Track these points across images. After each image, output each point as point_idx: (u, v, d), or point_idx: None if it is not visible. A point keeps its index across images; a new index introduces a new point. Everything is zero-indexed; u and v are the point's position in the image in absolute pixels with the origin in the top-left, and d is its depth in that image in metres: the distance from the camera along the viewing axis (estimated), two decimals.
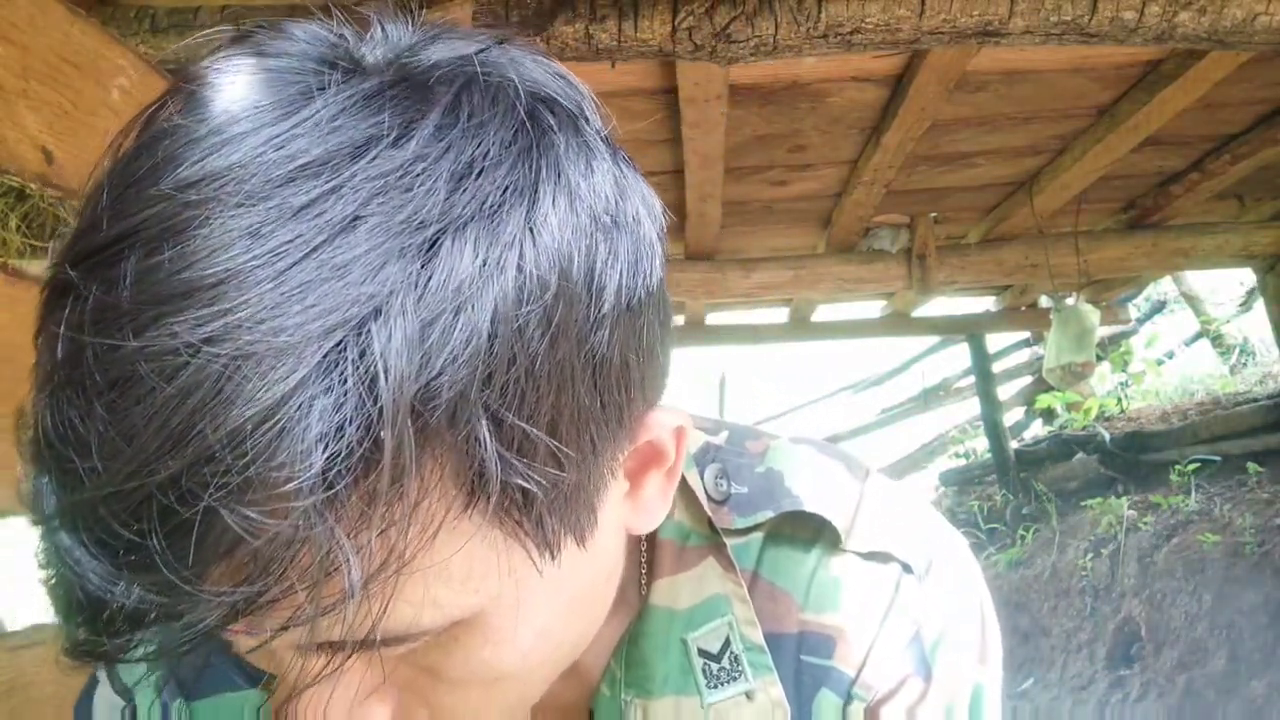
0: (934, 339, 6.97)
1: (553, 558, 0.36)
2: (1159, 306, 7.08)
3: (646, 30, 1.63)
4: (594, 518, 0.38)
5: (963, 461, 6.52)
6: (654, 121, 2.45)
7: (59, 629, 0.31)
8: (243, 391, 0.26)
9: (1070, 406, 5.64)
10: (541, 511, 0.34)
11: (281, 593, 0.28)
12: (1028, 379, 6.62)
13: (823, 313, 4.85)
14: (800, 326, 4.88)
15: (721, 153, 2.58)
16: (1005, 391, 6.38)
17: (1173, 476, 4.45)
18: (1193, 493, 4.32)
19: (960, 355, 6.81)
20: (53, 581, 0.30)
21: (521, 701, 0.42)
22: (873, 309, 4.90)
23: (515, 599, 0.35)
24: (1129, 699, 3.90)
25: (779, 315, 4.92)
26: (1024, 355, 6.75)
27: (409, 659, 0.36)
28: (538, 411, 0.32)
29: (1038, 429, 6.37)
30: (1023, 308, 5.19)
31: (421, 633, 0.33)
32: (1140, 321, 6.86)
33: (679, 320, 4.54)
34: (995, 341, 6.34)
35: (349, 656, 0.32)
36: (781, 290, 3.70)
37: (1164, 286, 6.79)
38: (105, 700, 0.52)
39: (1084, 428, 5.33)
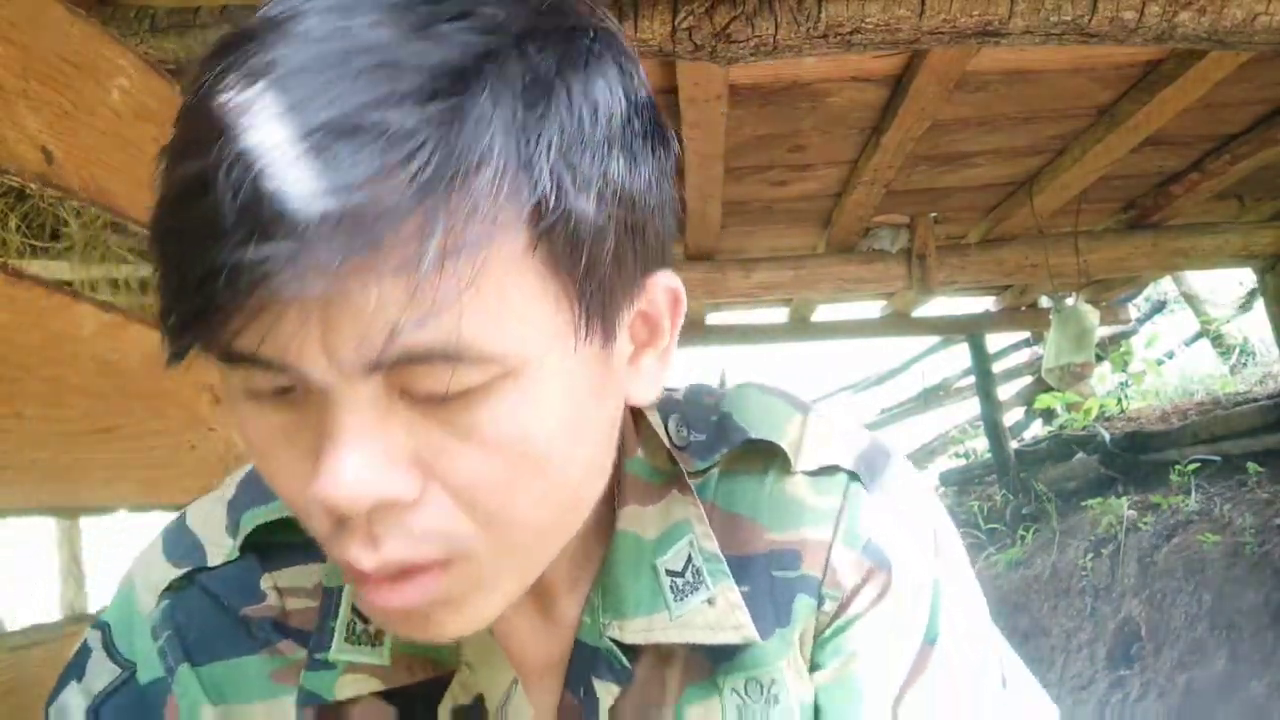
0: (934, 339, 6.97)
1: (585, 336, 0.40)
2: (1159, 306, 7.08)
3: (646, 30, 1.63)
4: (614, 331, 0.42)
5: (963, 461, 6.52)
6: None
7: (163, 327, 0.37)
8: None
9: (1070, 406, 5.64)
10: (584, 282, 0.39)
11: (381, 261, 0.33)
12: (1028, 379, 6.62)
13: (823, 313, 4.85)
14: (800, 326, 4.88)
15: (721, 153, 2.57)
16: (1005, 391, 6.37)
17: (1173, 476, 4.45)
18: (1193, 493, 4.32)
19: (960, 355, 6.81)
20: (177, 251, 0.35)
21: (537, 538, 0.43)
22: (873, 309, 4.90)
23: (553, 367, 0.39)
24: (1129, 699, 3.90)
25: (779, 315, 4.92)
26: (1024, 355, 6.75)
27: (446, 419, 0.37)
28: (591, 176, 0.38)
29: (1038, 429, 6.37)
30: (1023, 308, 5.18)
31: (488, 358, 0.36)
32: (1140, 321, 6.86)
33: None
34: (995, 341, 6.34)
35: (422, 360, 0.35)
36: (781, 290, 3.70)
37: (1164, 286, 6.79)
38: (79, 693, 0.51)
39: (1084, 428, 5.33)
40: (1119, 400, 5.80)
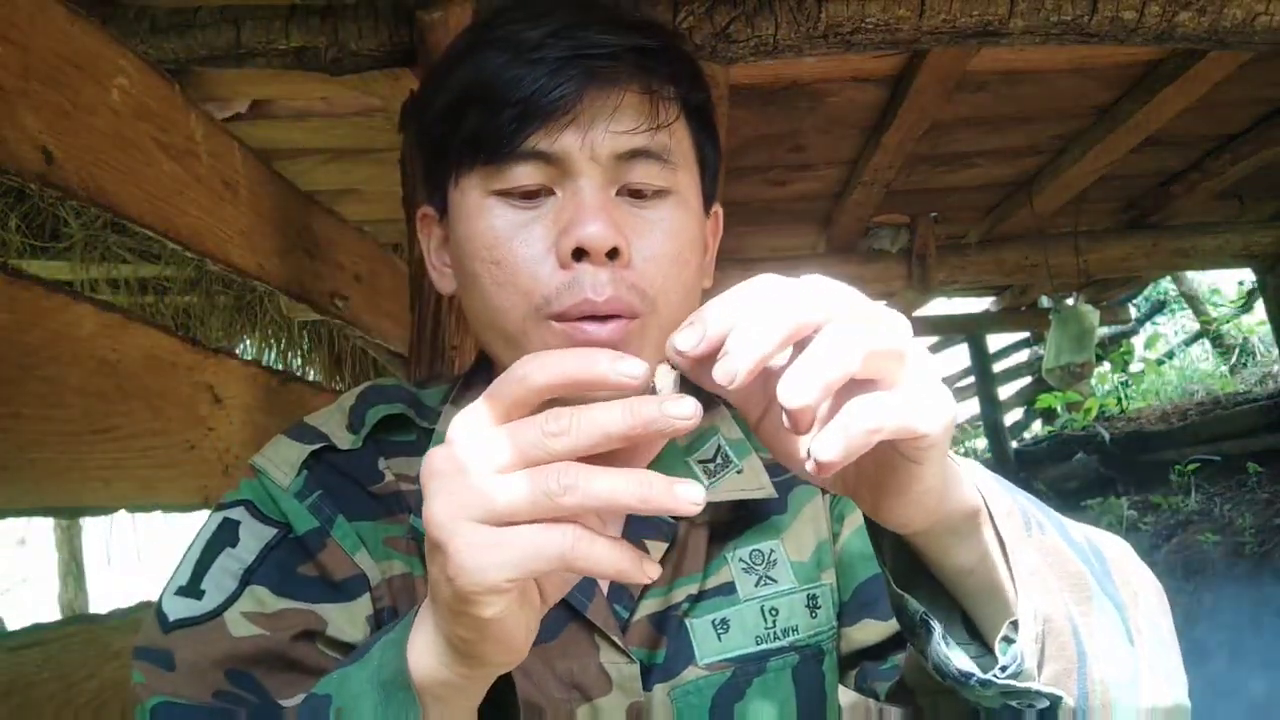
0: (934, 339, 6.96)
1: (700, 194, 0.66)
2: (1159, 306, 7.08)
3: None
4: (708, 208, 0.68)
5: None
6: None
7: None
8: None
9: (1070, 406, 5.64)
10: (701, 157, 0.66)
11: (628, 96, 0.59)
12: (1028, 379, 6.62)
13: None
14: None
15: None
16: (1005, 391, 6.38)
17: (1173, 476, 4.45)
18: (1193, 493, 4.32)
19: (960, 355, 6.81)
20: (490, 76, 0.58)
21: (670, 324, 0.54)
22: None
23: (691, 203, 0.63)
24: None
25: None
26: (1024, 355, 6.75)
27: (641, 211, 0.60)
28: (706, 105, 0.66)
29: (1038, 429, 6.36)
30: (1023, 308, 5.18)
31: (672, 168, 0.61)
32: (1140, 321, 6.86)
33: None
34: (995, 341, 6.34)
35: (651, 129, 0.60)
36: None
37: (1164, 286, 6.79)
38: (233, 556, 0.60)
39: (1084, 428, 5.33)
40: (1119, 400, 5.80)
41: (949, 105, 2.48)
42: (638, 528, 0.65)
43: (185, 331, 2.08)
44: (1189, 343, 6.87)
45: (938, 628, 0.48)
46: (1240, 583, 3.75)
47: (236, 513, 0.62)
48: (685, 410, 0.37)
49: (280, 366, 2.95)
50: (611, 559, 0.38)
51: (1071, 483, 4.98)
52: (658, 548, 0.65)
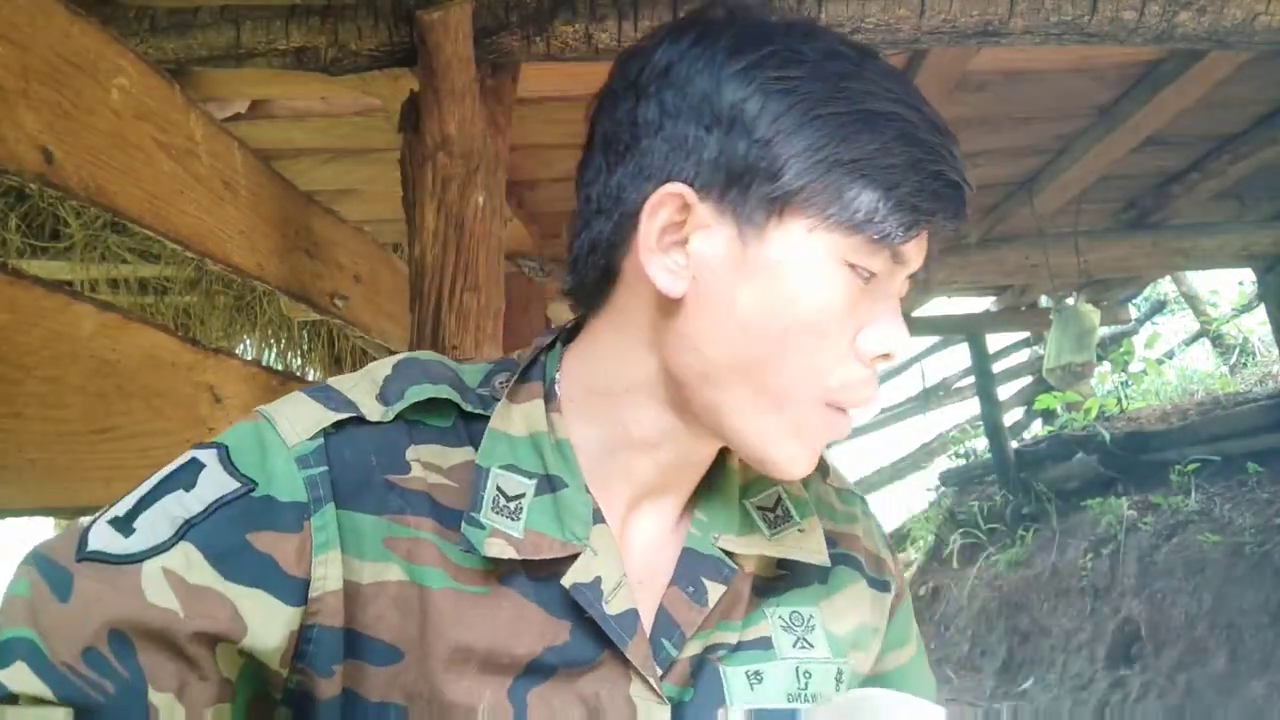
0: (934, 339, 6.97)
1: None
2: (1159, 306, 7.07)
3: (646, 30, 1.62)
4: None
5: (963, 461, 6.52)
6: None
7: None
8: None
9: (1070, 406, 5.63)
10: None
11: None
12: (1028, 379, 6.62)
13: None
14: None
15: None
16: (1005, 391, 6.37)
17: (1173, 476, 4.45)
18: (1193, 493, 4.32)
19: (960, 355, 6.81)
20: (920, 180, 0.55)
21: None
22: None
23: None
24: (1129, 699, 3.90)
25: None
26: (1024, 355, 6.75)
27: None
28: None
29: (1038, 429, 6.36)
30: (1023, 308, 5.18)
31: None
32: (1140, 321, 6.86)
33: None
34: (995, 341, 6.33)
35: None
36: None
37: (1164, 286, 6.79)
38: (181, 501, 0.53)
39: (1084, 428, 5.33)
40: (1119, 400, 5.80)
41: (949, 105, 2.48)
42: (695, 565, 0.63)
43: (185, 331, 2.08)
44: (1189, 343, 6.87)
45: None
46: (1240, 583, 3.75)
47: (206, 455, 0.55)
48: None
49: (280, 366, 2.95)
50: None
51: (1071, 483, 4.97)
52: (715, 589, 0.63)
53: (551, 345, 0.66)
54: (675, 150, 0.57)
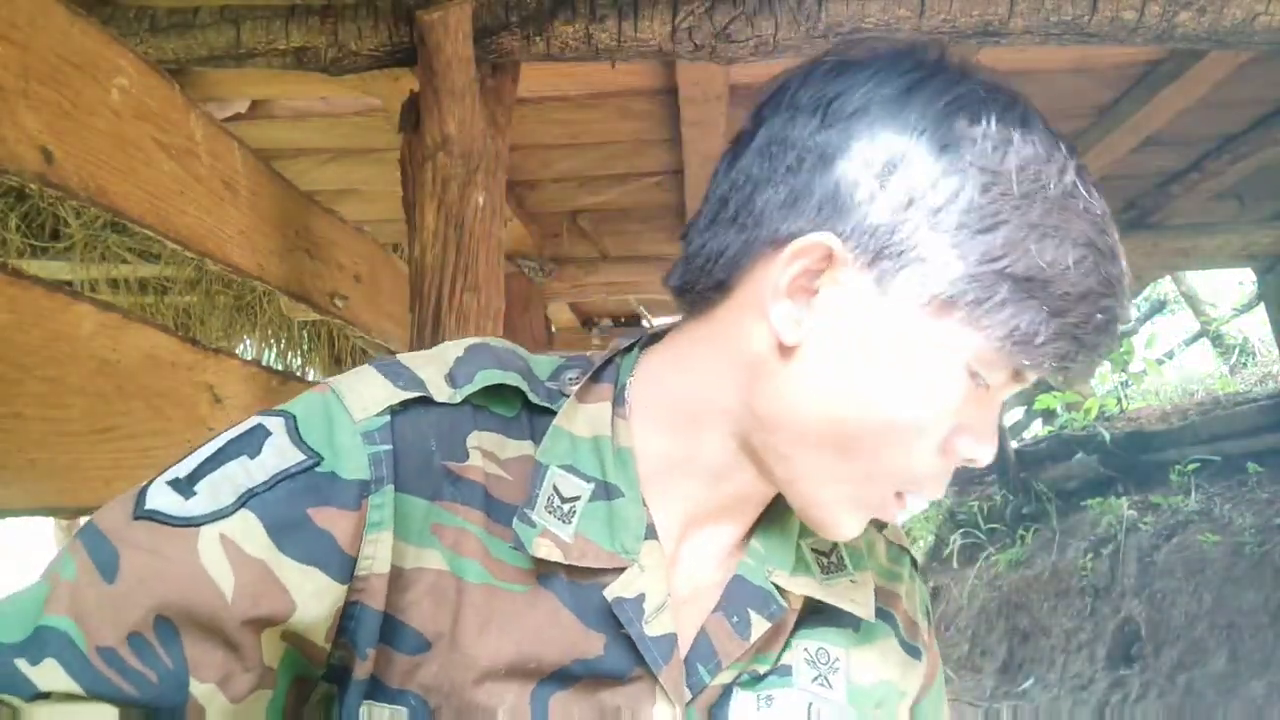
0: None
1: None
2: (1159, 306, 7.07)
3: (646, 30, 1.63)
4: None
5: None
6: (654, 121, 2.45)
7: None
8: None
9: (1070, 406, 5.64)
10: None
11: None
12: None
13: None
14: None
15: (722, 152, 2.57)
16: None
17: (1173, 476, 4.45)
18: (1193, 493, 4.32)
19: None
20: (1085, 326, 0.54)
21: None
22: None
23: None
24: (1129, 699, 3.90)
25: None
26: None
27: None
28: None
29: (1038, 429, 6.36)
30: None
31: None
32: (1140, 321, 6.86)
33: None
34: None
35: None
36: None
37: (1164, 286, 6.79)
38: (246, 468, 0.52)
39: (1084, 428, 5.33)
40: (1119, 400, 5.80)
41: None
42: (744, 595, 0.62)
43: (185, 331, 2.08)
44: (1189, 343, 6.87)
45: None
46: (1240, 583, 3.75)
47: (274, 423, 0.54)
48: None
49: (280, 366, 2.95)
50: None
51: (1071, 483, 4.98)
52: (760, 624, 0.61)
53: (629, 349, 0.64)
54: (840, 196, 0.53)
